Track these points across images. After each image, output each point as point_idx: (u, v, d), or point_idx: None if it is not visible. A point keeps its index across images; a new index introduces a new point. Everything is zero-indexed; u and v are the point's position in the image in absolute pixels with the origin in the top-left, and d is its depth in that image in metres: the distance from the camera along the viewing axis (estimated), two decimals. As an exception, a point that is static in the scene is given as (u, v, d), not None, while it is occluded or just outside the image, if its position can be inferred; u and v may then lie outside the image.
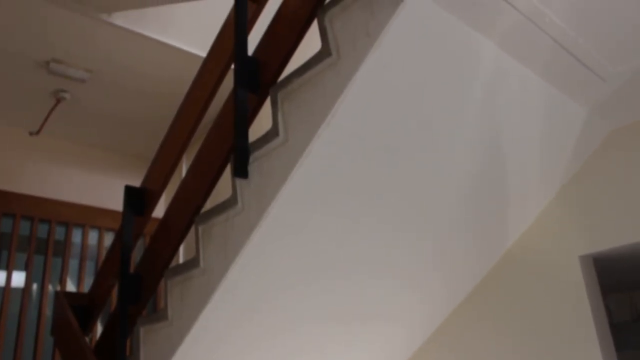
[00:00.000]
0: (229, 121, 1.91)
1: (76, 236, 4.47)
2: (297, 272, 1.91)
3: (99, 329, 3.91)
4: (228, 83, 2.01)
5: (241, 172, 1.74)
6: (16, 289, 4.13)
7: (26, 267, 4.16)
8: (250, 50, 1.96)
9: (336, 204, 1.79)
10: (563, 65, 1.81)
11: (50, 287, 4.20)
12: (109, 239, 4.47)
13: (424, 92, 1.67)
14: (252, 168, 1.74)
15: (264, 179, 1.68)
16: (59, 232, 4.38)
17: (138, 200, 2.26)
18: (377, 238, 2.01)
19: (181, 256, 4.20)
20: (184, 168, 4.08)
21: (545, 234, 2.37)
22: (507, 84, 1.82)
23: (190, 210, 2.00)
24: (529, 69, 1.80)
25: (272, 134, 1.69)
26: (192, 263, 1.85)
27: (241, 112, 1.83)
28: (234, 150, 1.78)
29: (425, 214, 2.06)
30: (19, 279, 4.16)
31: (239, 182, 1.76)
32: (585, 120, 2.13)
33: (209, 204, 1.99)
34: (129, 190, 2.27)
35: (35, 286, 4.18)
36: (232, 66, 1.95)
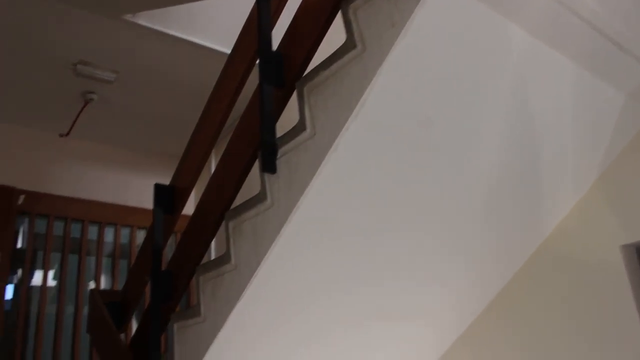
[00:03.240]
0: (256, 117, 1.90)
1: (108, 235, 4.54)
2: (329, 268, 1.90)
3: (135, 325, 3.96)
4: (254, 79, 2.00)
5: (269, 167, 1.73)
6: (52, 288, 4.21)
7: (61, 267, 4.24)
8: (275, 45, 1.95)
9: (366, 197, 1.77)
10: (598, 49, 1.75)
11: (85, 286, 4.27)
12: (140, 237, 4.53)
13: (453, 82, 1.64)
14: (280, 163, 1.73)
15: (293, 173, 1.67)
16: (91, 232, 4.45)
17: (168, 198, 2.27)
18: (406, 232, 1.98)
19: (213, 252, 4.22)
20: (213, 164, 4.10)
21: (584, 224, 2.29)
22: (540, 71, 1.78)
23: (220, 207, 2.00)
24: (562, 55, 1.75)
25: (299, 128, 1.68)
26: (223, 259, 1.86)
27: (267, 108, 1.82)
28: (261, 146, 1.78)
29: (455, 206, 2.02)
30: (55, 278, 4.25)
31: (268, 177, 1.75)
32: (622, 106, 2.07)
33: (238, 200, 1.98)
34: (158, 189, 2.28)
35: (70, 285, 4.26)
36: (257, 61, 1.94)
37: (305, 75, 1.72)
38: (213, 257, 4.07)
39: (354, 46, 1.55)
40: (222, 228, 1.97)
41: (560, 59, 1.76)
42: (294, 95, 1.79)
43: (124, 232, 4.62)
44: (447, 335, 2.55)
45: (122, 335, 2.44)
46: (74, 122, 4.25)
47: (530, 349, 2.35)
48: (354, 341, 2.24)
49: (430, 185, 1.88)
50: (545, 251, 2.39)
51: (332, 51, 1.63)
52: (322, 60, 1.66)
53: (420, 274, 2.17)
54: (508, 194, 2.13)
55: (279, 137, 1.76)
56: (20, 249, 4.22)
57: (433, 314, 2.39)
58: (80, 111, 4.12)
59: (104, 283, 4.43)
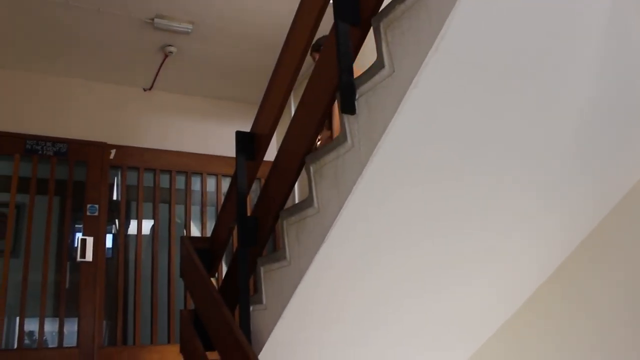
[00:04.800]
0: (332, 57, 1.86)
1: (195, 184, 4.70)
2: (411, 208, 1.87)
3: (225, 269, 4.12)
4: (329, 18, 1.95)
5: (348, 108, 1.70)
6: (147, 236, 4.44)
7: (153, 215, 4.45)
8: (349, -19, 1.88)
9: (448, 135, 1.71)
10: None
11: (176, 233, 4.47)
12: (226, 184, 4.66)
13: (543, 6, 1.52)
14: (360, 103, 1.69)
15: (372, 113, 1.63)
16: (179, 181, 4.61)
17: (249, 144, 2.29)
18: (491, 171, 1.90)
19: (296, 196, 4.28)
20: (292, 109, 4.11)
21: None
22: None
23: (300, 151, 2.00)
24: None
25: (377, 66, 1.62)
26: (306, 203, 1.86)
27: (343, 46, 1.77)
28: (339, 87, 1.74)
29: (543, 143, 1.91)
30: (148, 226, 4.47)
31: (347, 118, 1.72)
32: None
33: (318, 144, 1.97)
34: (239, 136, 2.31)
35: (163, 233, 4.47)
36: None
37: (381, 10, 1.65)
38: (297, 201, 4.12)
39: (432, -25, 1.47)
40: (304, 172, 1.97)
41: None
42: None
43: (210, 181, 4.76)
44: (534, 277, 2.48)
45: (213, 279, 2.53)
46: (156, 75, 4.37)
47: (625, 292, 2.21)
48: (438, 283, 2.22)
49: (515, 120, 1.79)
50: (636, 195, 2.22)
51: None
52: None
53: (504, 214, 2.10)
54: (601, 129, 1.98)
55: (357, 77, 1.71)
56: (116, 200, 4.47)
57: (518, 255, 2.31)
58: (161, 64, 4.22)
59: (194, 229, 4.62)
